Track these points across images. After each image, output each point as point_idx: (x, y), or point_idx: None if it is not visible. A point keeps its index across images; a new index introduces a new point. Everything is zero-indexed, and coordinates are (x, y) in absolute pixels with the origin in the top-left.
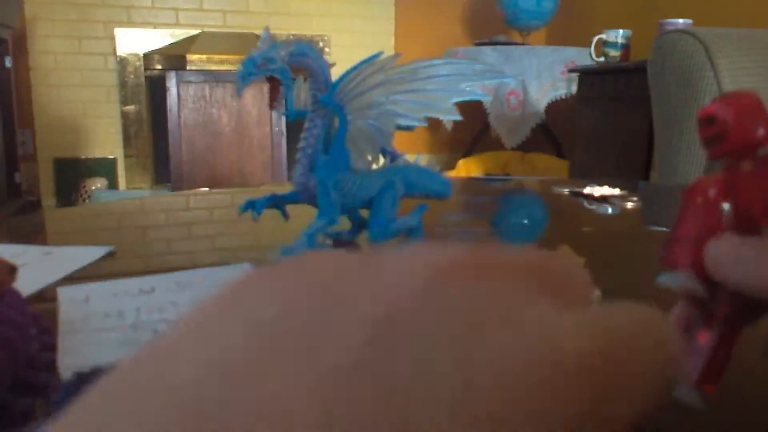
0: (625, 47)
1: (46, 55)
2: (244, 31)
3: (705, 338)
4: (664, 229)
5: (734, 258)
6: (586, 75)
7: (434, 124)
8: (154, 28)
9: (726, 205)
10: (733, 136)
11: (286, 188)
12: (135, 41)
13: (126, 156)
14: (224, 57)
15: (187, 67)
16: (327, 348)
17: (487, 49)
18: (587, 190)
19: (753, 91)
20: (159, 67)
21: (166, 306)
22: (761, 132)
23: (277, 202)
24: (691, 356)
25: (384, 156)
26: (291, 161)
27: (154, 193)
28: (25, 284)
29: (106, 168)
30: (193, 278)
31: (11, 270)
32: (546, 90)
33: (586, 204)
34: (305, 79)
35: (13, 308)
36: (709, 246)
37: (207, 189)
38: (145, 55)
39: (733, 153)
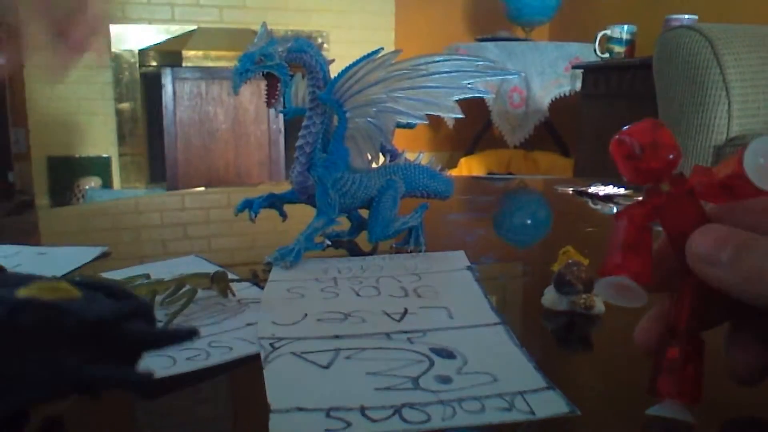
0: (630, 43)
1: (40, 52)
2: (241, 27)
3: (674, 353)
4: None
5: (713, 258)
6: (590, 71)
7: (435, 122)
8: (150, 23)
9: (654, 225)
10: (663, 155)
11: (284, 187)
12: (130, 37)
13: (120, 154)
14: (221, 53)
15: (183, 64)
16: None
17: (489, 45)
18: (592, 189)
19: (656, 119)
20: (154, 63)
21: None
22: (675, 155)
23: (275, 202)
24: (664, 372)
25: (384, 155)
26: (289, 160)
27: (148, 192)
28: None
29: (100, 167)
30: None
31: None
32: (549, 87)
33: (590, 203)
34: (303, 76)
35: None
36: (692, 237)
37: (203, 188)
38: (140, 51)
39: (658, 176)
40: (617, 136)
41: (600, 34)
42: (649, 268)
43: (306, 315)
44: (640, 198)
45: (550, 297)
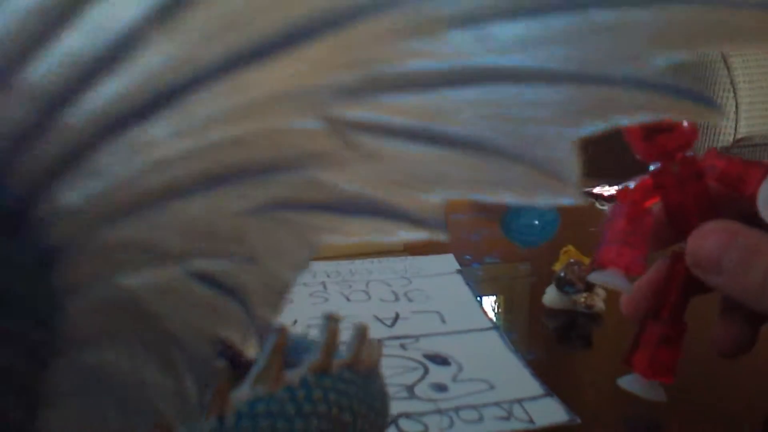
0: None
1: None
2: None
3: (654, 333)
4: None
5: (717, 263)
6: None
7: None
8: None
9: (655, 206)
10: (680, 135)
11: None
12: None
13: None
14: None
15: None
16: None
17: None
18: (597, 190)
19: None
20: None
21: None
22: (693, 131)
23: None
24: (641, 348)
25: None
26: None
27: None
28: None
29: None
30: None
31: None
32: None
33: (597, 204)
34: None
35: None
36: (691, 238)
37: None
38: None
39: (672, 153)
40: None
41: None
42: (642, 258)
43: (296, 321)
44: (644, 177)
45: (551, 296)
